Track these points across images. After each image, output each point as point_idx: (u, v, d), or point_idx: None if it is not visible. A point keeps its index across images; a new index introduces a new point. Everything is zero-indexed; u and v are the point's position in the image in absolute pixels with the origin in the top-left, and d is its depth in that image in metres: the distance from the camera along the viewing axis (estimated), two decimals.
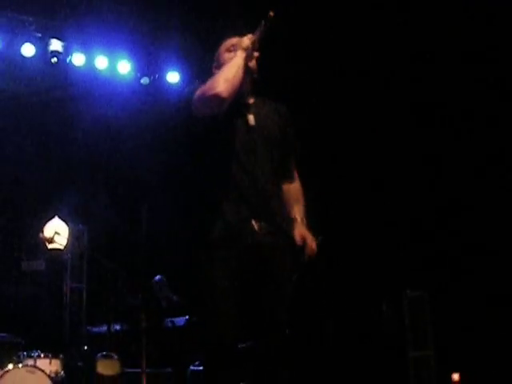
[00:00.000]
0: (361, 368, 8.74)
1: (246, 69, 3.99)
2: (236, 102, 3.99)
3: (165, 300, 8.89)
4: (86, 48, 8.82)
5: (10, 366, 6.84)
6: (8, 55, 8.51)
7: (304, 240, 3.92)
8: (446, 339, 8.65)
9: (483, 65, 8.16)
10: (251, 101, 4.15)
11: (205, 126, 3.95)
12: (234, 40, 4.15)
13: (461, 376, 8.69)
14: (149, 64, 9.27)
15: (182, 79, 9.41)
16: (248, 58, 3.99)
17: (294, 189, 4.19)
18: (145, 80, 9.28)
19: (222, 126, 3.95)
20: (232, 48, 4.11)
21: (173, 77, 9.38)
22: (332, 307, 8.77)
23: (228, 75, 3.86)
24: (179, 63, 9.36)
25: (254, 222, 3.81)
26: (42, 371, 6.81)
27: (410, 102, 8.77)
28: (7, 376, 6.64)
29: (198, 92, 3.90)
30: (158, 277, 8.88)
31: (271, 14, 3.85)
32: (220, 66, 4.06)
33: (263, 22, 3.90)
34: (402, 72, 8.60)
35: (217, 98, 3.81)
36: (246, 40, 4.01)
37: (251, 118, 4.05)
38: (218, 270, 3.80)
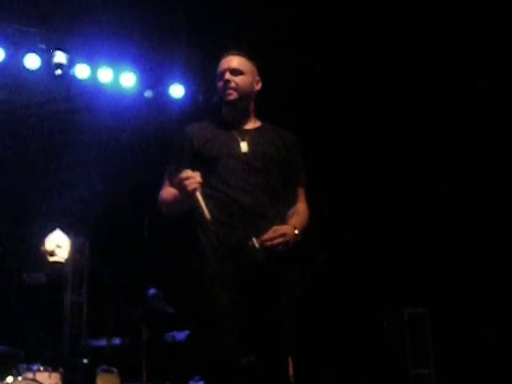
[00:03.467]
0: None
1: (247, 94, 4.12)
2: (230, 128, 4.08)
3: (161, 312, 8.84)
4: (90, 60, 8.81)
5: (10, 379, 6.83)
6: (12, 66, 8.48)
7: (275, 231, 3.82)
8: (447, 356, 8.63)
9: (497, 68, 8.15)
10: (248, 126, 4.14)
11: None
12: (223, 65, 4.16)
13: None
14: (153, 77, 9.24)
15: (186, 93, 9.40)
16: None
17: (295, 208, 4.11)
18: (148, 93, 9.26)
19: (211, 155, 3.99)
20: (219, 74, 4.14)
21: (177, 90, 9.36)
22: (333, 323, 8.75)
23: (167, 203, 4.03)
24: (183, 76, 9.34)
25: (254, 240, 3.78)
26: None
27: (422, 117, 8.76)
28: None
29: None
30: (152, 290, 8.84)
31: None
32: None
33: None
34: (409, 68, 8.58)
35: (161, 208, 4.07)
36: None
37: (244, 145, 4.03)
38: (217, 286, 3.79)
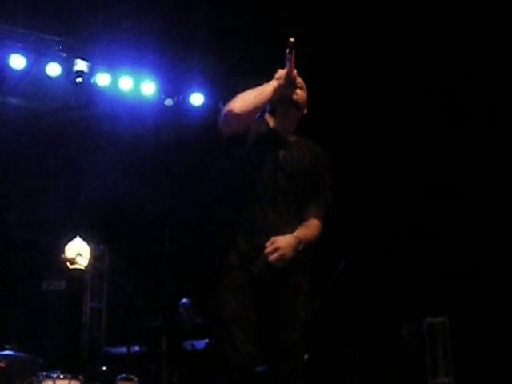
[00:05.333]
0: None
1: (283, 99, 4.04)
2: (272, 136, 4.08)
3: (189, 323, 8.85)
4: (110, 68, 8.87)
5: None
6: (33, 74, 8.56)
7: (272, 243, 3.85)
8: (467, 366, 8.58)
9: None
10: (290, 139, 4.16)
11: (230, 151, 4.02)
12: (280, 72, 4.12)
13: None
14: (173, 85, 9.28)
15: (206, 101, 9.42)
16: (282, 89, 4.00)
17: (308, 222, 4.11)
18: (169, 101, 9.29)
19: (248, 154, 4.00)
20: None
21: (197, 98, 9.39)
22: (352, 333, 8.71)
23: (248, 96, 3.93)
24: (204, 85, 9.37)
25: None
26: None
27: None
28: None
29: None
30: (184, 300, 8.86)
31: (291, 40, 3.87)
32: None
33: (287, 51, 3.91)
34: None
35: (230, 113, 3.88)
36: (281, 71, 4.02)
37: (281, 154, 4.06)
38: (233, 296, 3.83)
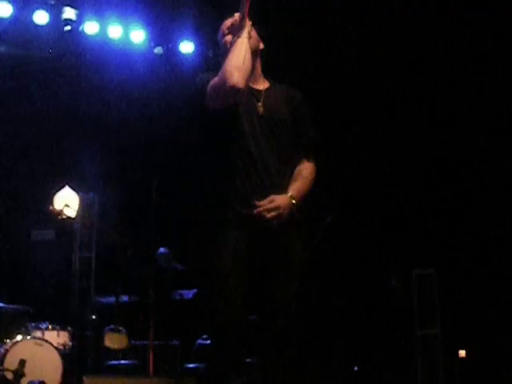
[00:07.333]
0: (369, 345, 8.78)
1: (253, 50, 3.93)
2: (248, 93, 3.95)
3: (170, 271, 8.85)
4: (99, 16, 8.72)
5: (19, 338, 6.93)
6: (21, 22, 8.42)
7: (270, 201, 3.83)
8: (453, 317, 8.66)
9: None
10: (262, 87, 4.08)
11: (214, 116, 3.90)
12: (227, 22, 4.05)
13: (467, 353, 8.73)
14: (163, 33, 9.16)
15: (196, 49, 9.32)
16: (249, 37, 3.89)
17: (300, 168, 4.08)
18: (158, 49, 9.18)
19: (230, 115, 3.90)
20: (228, 31, 4.02)
21: (187, 47, 9.28)
22: (341, 284, 8.77)
23: (238, 62, 3.78)
24: (193, 33, 9.24)
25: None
26: (50, 344, 6.90)
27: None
28: (16, 348, 6.73)
29: (212, 84, 3.84)
30: (162, 249, 8.84)
31: None
32: (224, 53, 3.97)
33: None
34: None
35: (233, 89, 3.73)
36: (237, 18, 3.93)
37: (260, 107, 3.99)
38: (227, 251, 3.82)
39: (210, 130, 3.97)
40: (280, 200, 3.83)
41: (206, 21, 9.10)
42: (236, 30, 3.92)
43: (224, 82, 3.75)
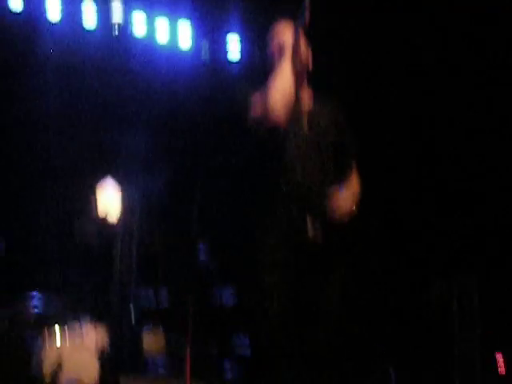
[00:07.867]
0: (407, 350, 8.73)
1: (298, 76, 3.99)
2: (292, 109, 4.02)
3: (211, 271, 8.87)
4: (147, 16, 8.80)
5: (57, 332, 6.94)
6: (68, 25, 8.50)
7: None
8: (494, 322, 8.59)
9: None
10: (306, 107, 4.13)
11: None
12: (281, 38, 4.09)
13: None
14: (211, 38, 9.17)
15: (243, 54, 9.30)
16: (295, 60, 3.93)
17: (345, 183, 4.16)
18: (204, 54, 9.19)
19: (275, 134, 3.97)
20: (279, 48, 4.06)
21: (234, 54, 9.28)
22: (381, 288, 8.75)
23: (282, 98, 3.83)
24: (241, 40, 9.25)
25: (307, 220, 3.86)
26: (88, 340, 6.91)
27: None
28: (53, 343, 6.73)
29: (256, 111, 3.91)
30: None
31: None
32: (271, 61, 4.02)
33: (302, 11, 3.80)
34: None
35: (278, 123, 3.85)
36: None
37: (305, 125, 4.04)
38: (270, 264, 3.90)
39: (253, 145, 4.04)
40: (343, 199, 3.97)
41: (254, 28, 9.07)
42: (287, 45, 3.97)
43: (265, 116, 3.86)
